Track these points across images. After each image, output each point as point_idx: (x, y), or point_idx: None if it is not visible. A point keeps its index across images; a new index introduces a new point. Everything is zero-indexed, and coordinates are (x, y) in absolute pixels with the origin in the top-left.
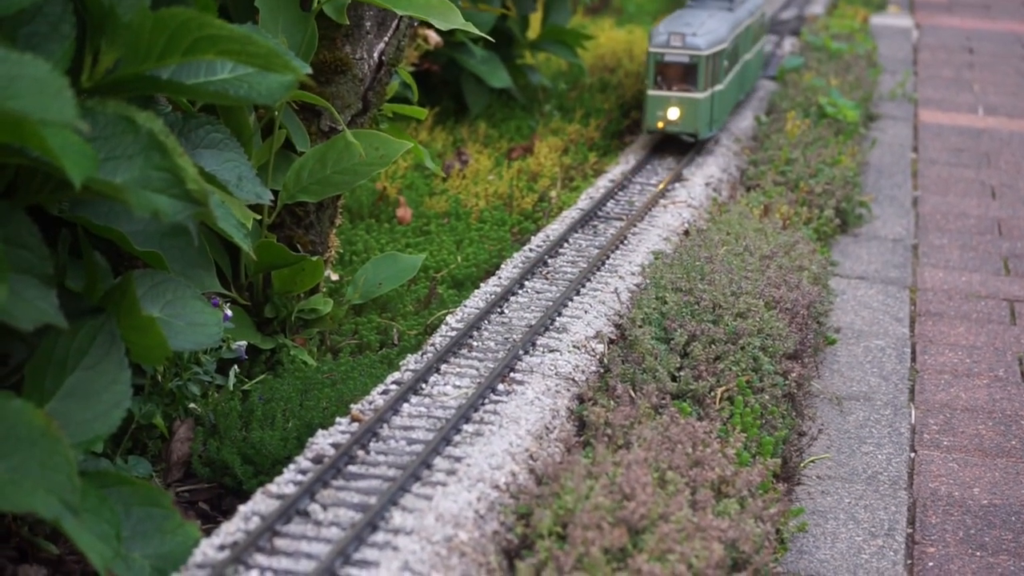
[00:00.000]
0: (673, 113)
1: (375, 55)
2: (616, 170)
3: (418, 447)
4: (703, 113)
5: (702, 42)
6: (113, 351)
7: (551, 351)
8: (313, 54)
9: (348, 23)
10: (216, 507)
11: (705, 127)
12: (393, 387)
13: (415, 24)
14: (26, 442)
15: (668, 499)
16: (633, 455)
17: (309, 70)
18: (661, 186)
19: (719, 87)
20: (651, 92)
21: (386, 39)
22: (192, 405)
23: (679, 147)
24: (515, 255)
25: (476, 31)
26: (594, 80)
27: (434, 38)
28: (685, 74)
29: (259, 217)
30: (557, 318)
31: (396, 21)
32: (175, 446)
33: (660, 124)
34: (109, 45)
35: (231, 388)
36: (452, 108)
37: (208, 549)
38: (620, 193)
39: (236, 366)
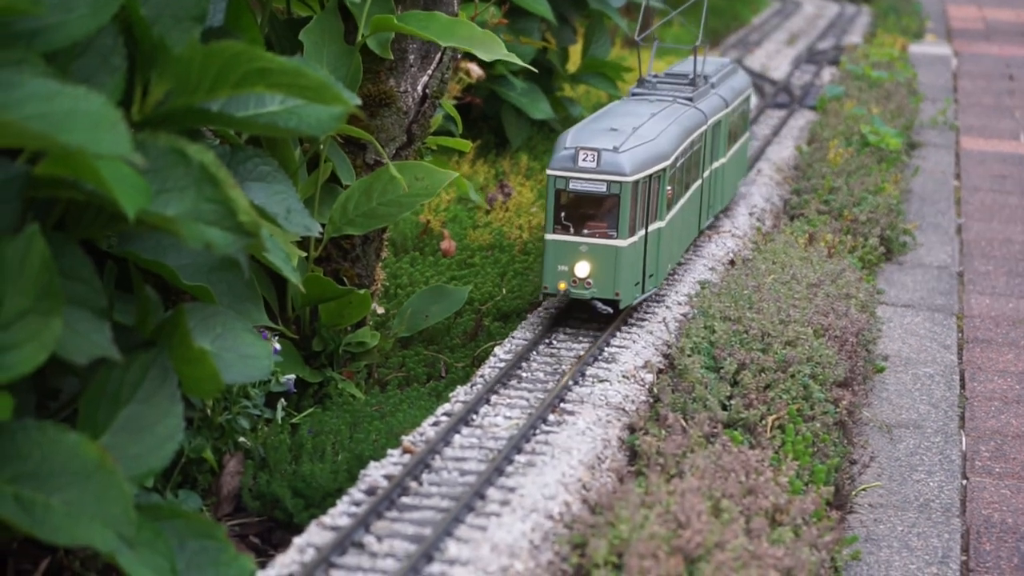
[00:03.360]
0: (582, 268)
1: (419, 88)
2: None
3: (471, 478)
4: (628, 268)
5: (627, 161)
6: (166, 384)
7: (600, 381)
8: (358, 87)
9: (392, 57)
10: (267, 540)
11: (631, 289)
12: (444, 418)
13: (458, 57)
14: (81, 475)
15: (723, 527)
16: (687, 484)
17: (359, 101)
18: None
19: (659, 224)
20: (550, 236)
21: (430, 72)
22: (242, 439)
23: None
24: None
25: (519, 62)
26: None
27: (476, 71)
28: (601, 211)
29: (304, 254)
30: (605, 348)
31: (440, 54)
32: (225, 480)
33: (562, 285)
34: (159, 78)
35: (280, 421)
36: (493, 141)
37: None
38: None
39: (284, 399)
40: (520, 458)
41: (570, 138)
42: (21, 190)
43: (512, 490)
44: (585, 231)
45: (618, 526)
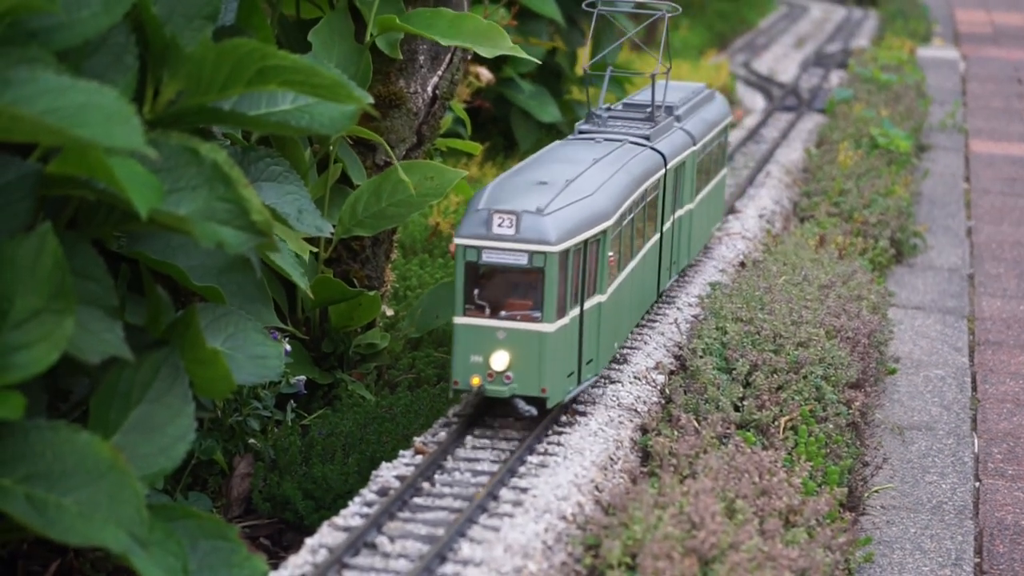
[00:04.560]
0: (500, 360)
1: (429, 89)
2: None
3: (483, 478)
4: (557, 358)
5: (554, 226)
6: (177, 384)
7: (612, 382)
8: (367, 88)
9: (402, 58)
10: (277, 543)
11: (562, 382)
12: (455, 420)
13: (468, 58)
14: (94, 475)
15: (737, 528)
16: (700, 484)
17: (372, 99)
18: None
19: (599, 299)
20: (460, 320)
21: (440, 73)
22: (252, 440)
23: (736, 174)
24: None
25: (523, 54)
26: None
27: (485, 75)
28: (521, 288)
29: (315, 250)
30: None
31: (449, 55)
32: (235, 482)
33: (476, 380)
34: (171, 76)
35: (290, 423)
36: (502, 144)
37: None
38: None
39: (294, 401)
40: (532, 459)
41: (485, 197)
42: (33, 188)
43: (525, 491)
44: (503, 313)
45: (632, 527)
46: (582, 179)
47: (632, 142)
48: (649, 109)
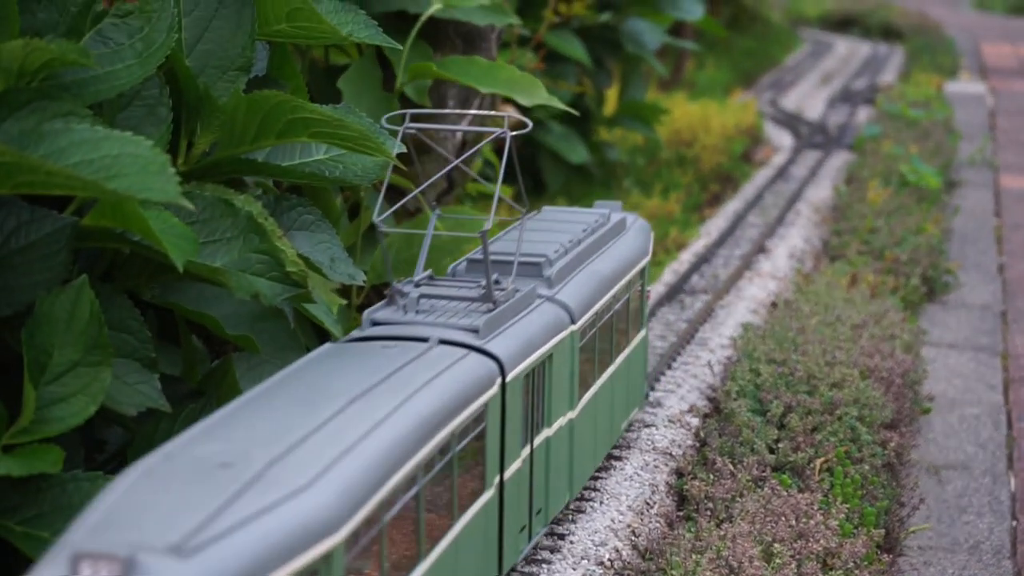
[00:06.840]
0: None
1: (458, 134)
2: (698, 243)
3: None
4: None
5: None
6: None
7: (647, 426)
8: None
9: (430, 105)
10: None
11: None
12: None
13: (498, 102)
14: None
15: (775, 572)
16: (737, 528)
17: (403, 149)
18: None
19: None
20: None
21: (469, 118)
22: None
23: (765, 213)
24: None
25: (560, 105)
26: (671, 154)
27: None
28: None
29: (344, 302)
30: (650, 393)
31: (479, 100)
32: None
33: None
34: (204, 128)
35: None
36: (531, 185)
37: None
38: (704, 266)
39: None
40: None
41: (91, 517)
42: (69, 241)
43: (562, 537)
44: None
45: (670, 572)
46: (307, 448)
47: (447, 341)
48: (484, 282)
